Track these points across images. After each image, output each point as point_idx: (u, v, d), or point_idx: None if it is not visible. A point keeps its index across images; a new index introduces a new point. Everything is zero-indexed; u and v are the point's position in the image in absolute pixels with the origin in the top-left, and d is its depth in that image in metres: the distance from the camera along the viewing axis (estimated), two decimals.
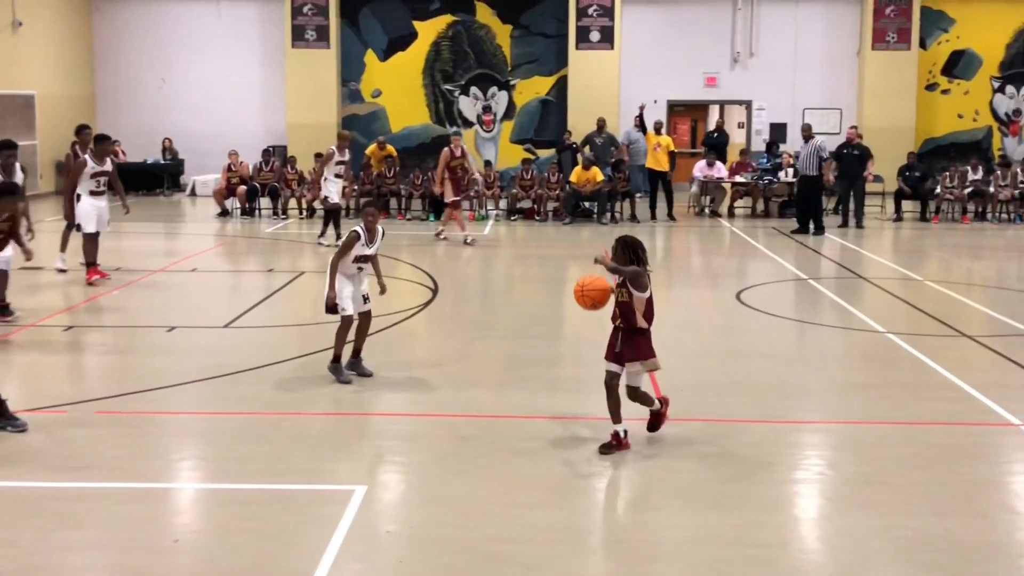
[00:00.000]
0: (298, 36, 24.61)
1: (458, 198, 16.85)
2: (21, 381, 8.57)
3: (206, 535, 5.52)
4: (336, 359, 8.38)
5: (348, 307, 8.29)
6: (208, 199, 21.76)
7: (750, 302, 11.90)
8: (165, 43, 25.29)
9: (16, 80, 22.15)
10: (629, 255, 6.64)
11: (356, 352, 8.53)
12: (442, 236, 16.97)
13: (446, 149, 16.93)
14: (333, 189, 16.05)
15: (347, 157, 16.28)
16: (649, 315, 6.73)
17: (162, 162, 24.40)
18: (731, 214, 20.93)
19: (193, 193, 23.74)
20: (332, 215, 16.13)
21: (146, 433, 7.14)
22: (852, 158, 19.10)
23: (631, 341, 6.68)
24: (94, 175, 12.45)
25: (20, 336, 9.92)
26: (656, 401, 6.99)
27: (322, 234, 16.30)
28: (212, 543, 5.37)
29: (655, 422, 7.03)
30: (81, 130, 13.42)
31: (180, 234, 19.04)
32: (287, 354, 9.28)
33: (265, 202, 20.55)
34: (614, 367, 6.74)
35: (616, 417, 6.75)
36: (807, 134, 18.56)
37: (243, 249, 16.73)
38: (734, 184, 21.19)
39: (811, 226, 18.01)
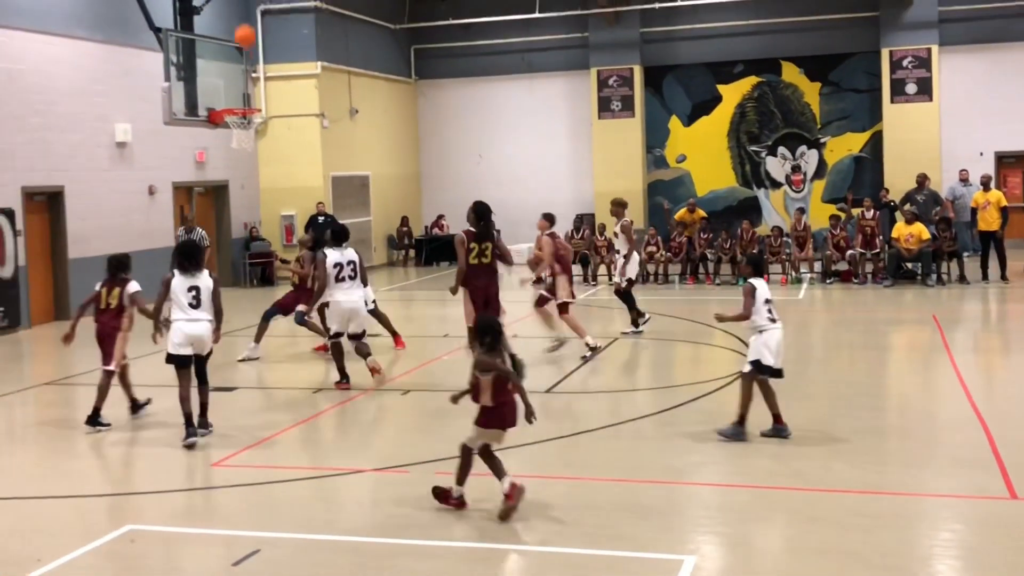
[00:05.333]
0: (604, 107, 25.40)
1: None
2: (366, 442, 9.33)
3: None
4: (741, 421, 8.58)
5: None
6: (522, 267, 22.70)
7: None
8: (481, 121, 26.95)
9: (354, 163, 24.35)
10: (481, 339, 6.91)
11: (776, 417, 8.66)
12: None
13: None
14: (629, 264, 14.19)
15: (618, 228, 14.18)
16: (494, 394, 6.90)
17: None
18: None
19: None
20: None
21: (480, 494, 7.53)
22: None
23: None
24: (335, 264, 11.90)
25: (363, 399, 10.81)
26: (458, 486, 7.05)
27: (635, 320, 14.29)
28: None
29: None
30: (306, 228, 14.04)
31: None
32: (603, 421, 9.49)
33: (576, 269, 21.16)
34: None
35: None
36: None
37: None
38: None
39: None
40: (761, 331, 8.49)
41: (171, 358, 9.04)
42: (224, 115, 16.23)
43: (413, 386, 11.23)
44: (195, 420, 9.05)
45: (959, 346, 13.02)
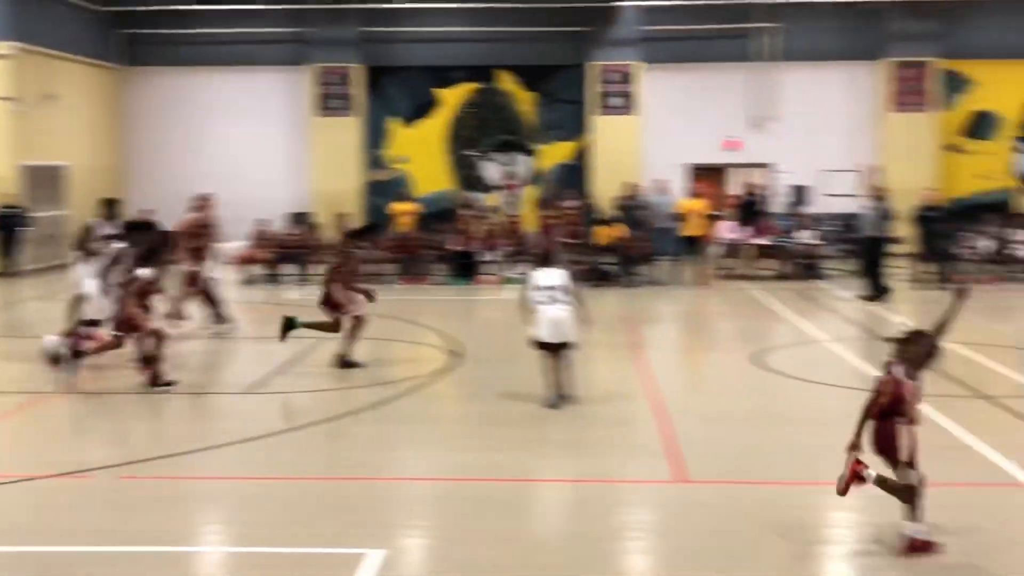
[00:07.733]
0: (322, 104, 25.11)
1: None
2: (44, 446, 8.72)
3: None
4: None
5: None
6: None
7: (772, 365, 11.91)
8: (197, 112, 25.81)
9: (50, 152, 22.66)
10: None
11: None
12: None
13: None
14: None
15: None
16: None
17: None
18: (754, 277, 20.93)
19: None
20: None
21: (170, 498, 7.23)
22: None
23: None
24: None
25: (44, 403, 10.10)
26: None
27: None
28: None
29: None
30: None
31: None
32: (309, 419, 9.39)
33: (291, 268, 20.80)
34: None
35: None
36: (878, 194, 18.37)
37: (267, 315, 16.90)
38: (759, 247, 21.20)
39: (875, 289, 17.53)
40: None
41: None
42: None
43: (109, 388, 10.62)
44: None
45: (653, 344, 13.90)
